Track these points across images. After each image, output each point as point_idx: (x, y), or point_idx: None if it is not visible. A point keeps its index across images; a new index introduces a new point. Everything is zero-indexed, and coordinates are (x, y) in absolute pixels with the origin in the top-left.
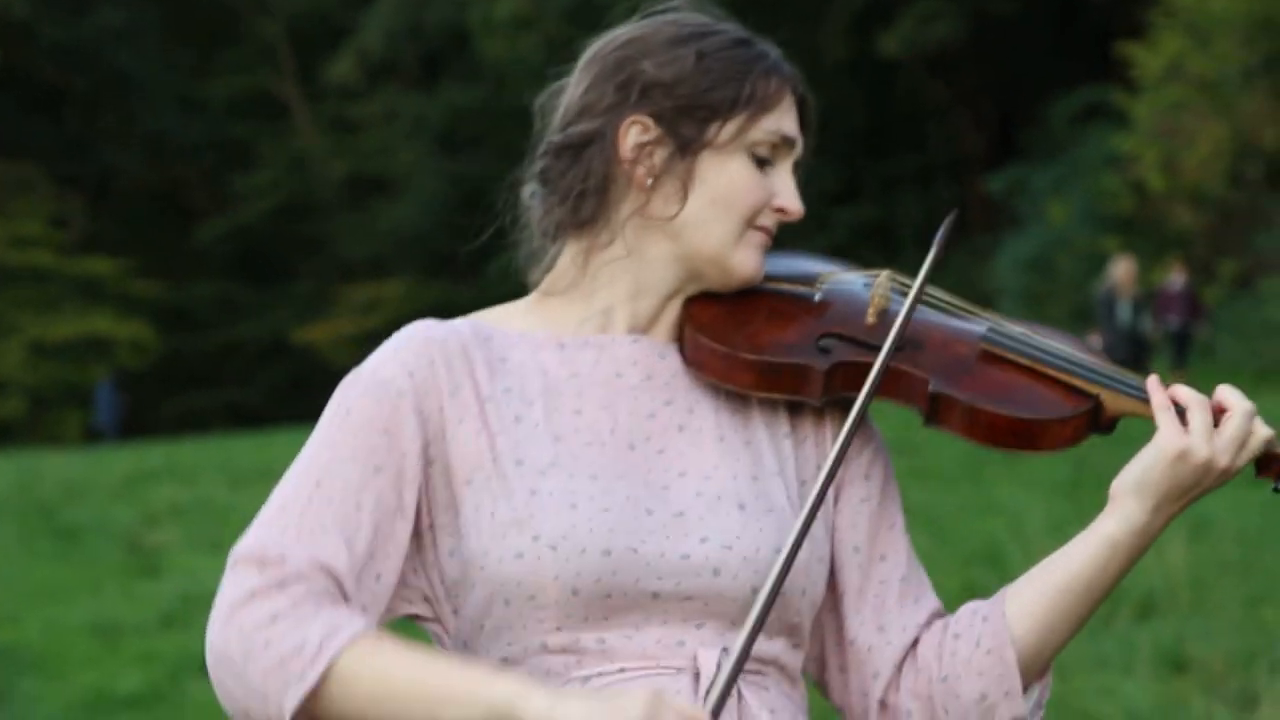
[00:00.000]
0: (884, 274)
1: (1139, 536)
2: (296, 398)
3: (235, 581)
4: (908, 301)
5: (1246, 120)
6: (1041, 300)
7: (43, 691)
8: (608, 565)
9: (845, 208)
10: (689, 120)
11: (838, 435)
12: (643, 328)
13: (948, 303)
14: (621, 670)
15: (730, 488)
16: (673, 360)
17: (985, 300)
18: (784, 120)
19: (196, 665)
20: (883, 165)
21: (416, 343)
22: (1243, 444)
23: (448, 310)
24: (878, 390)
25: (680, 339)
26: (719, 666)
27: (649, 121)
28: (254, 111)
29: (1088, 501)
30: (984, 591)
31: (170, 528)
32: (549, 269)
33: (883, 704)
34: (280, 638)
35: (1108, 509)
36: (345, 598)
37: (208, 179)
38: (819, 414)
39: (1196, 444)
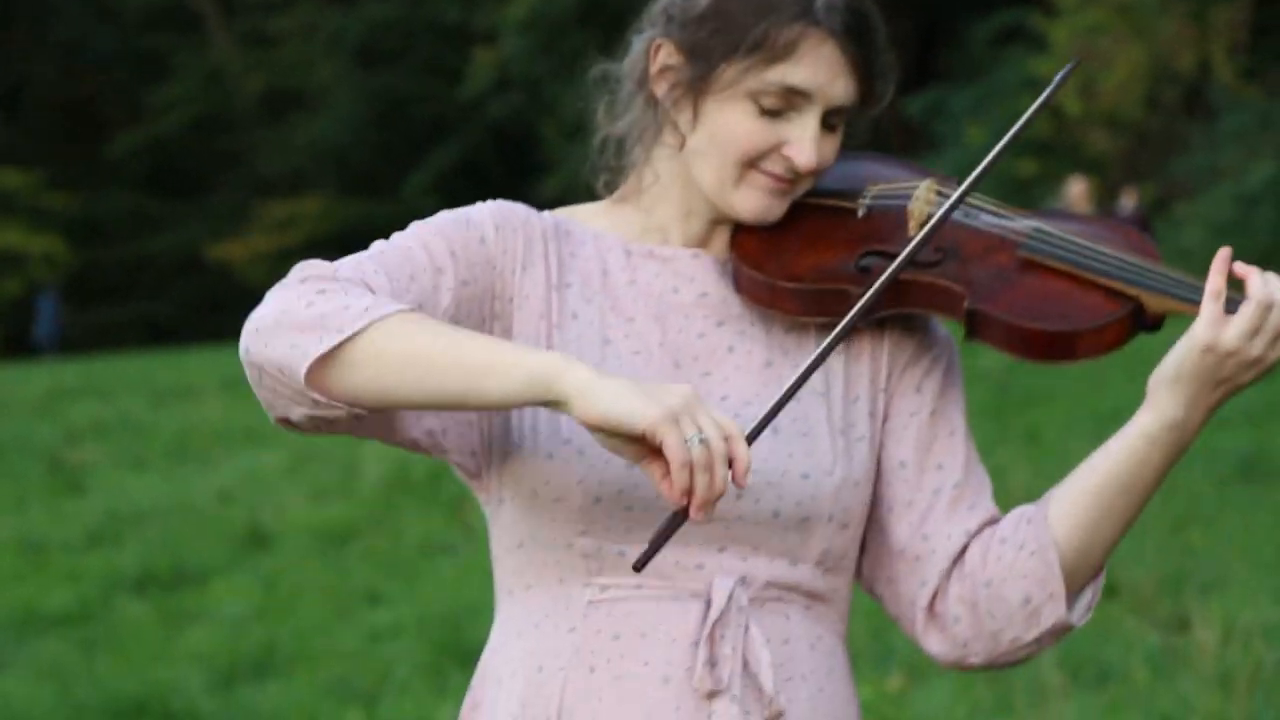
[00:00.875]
0: (926, 182)
1: (1175, 430)
2: (211, 314)
3: (283, 280)
4: (937, 214)
5: (1164, 44)
6: None
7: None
8: (630, 477)
9: None
10: (699, 58)
11: (893, 348)
12: (699, 244)
13: (993, 206)
14: (639, 586)
15: (792, 411)
16: (728, 282)
17: None
18: (795, 71)
19: (126, 583)
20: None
21: (506, 210)
22: (1275, 337)
23: (366, 229)
24: (913, 300)
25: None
26: (732, 591)
27: (671, 45)
28: (169, 23)
29: (1013, 423)
30: None
31: (92, 446)
32: (621, 175)
33: (930, 610)
34: (325, 300)
35: (1145, 403)
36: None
37: (122, 91)
38: (876, 327)
39: (1228, 338)
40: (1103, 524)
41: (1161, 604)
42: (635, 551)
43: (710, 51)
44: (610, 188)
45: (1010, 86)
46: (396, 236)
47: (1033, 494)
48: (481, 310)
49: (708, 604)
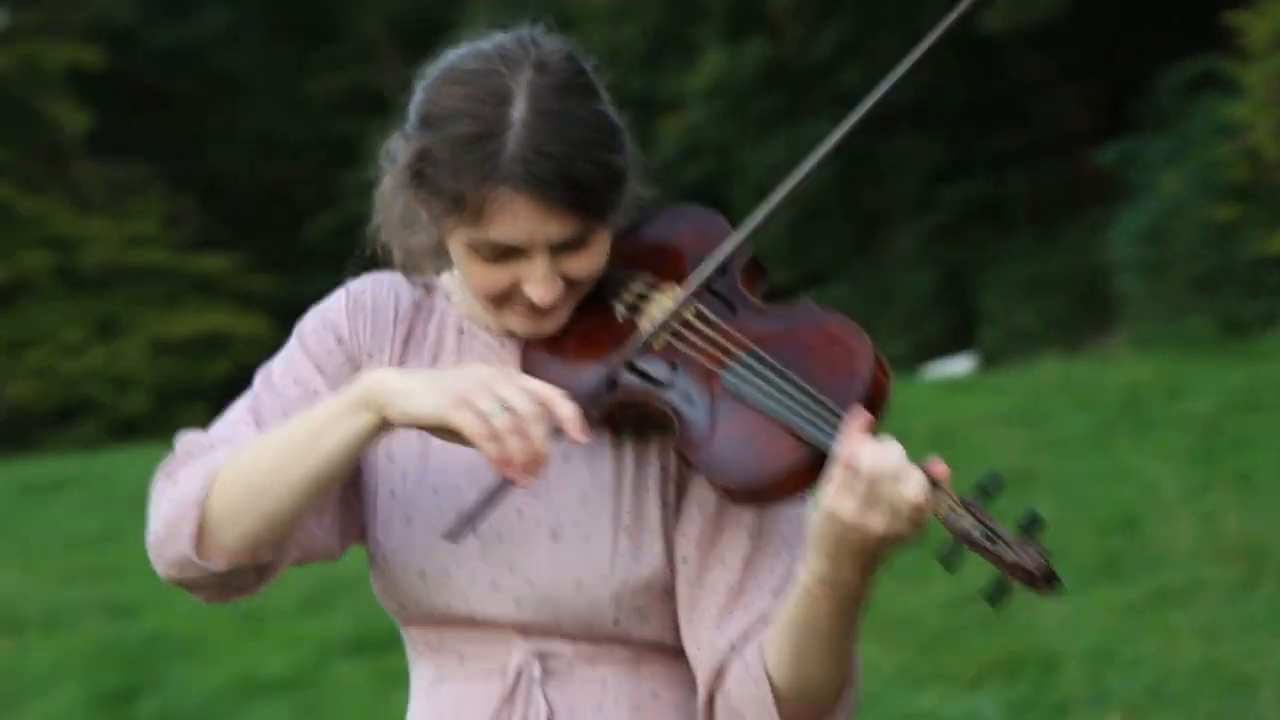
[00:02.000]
0: (670, 285)
1: (830, 584)
2: None
3: (160, 469)
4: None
5: None
6: (1159, 271)
7: (192, 676)
8: (423, 588)
9: (952, 185)
10: (424, 204)
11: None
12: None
13: (753, 301)
14: (462, 662)
15: (551, 513)
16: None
17: (1103, 273)
18: (497, 229)
19: (341, 647)
20: (989, 142)
21: (363, 298)
22: (893, 510)
23: None
24: (640, 414)
25: None
26: (520, 671)
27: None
28: (358, 107)
29: (1223, 467)
30: (1124, 560)
31: None
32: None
33: (707, 714)
34: (175, 489)
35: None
36: None
37: (315, 174)
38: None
39: (846, 508)
40: (802, 661)
41: None
42: (453, 636)
43: (428, 202)
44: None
45: (1203, 134)
46: (275, 365)
47: (1248, 538)
48: None
49: (516, 675)
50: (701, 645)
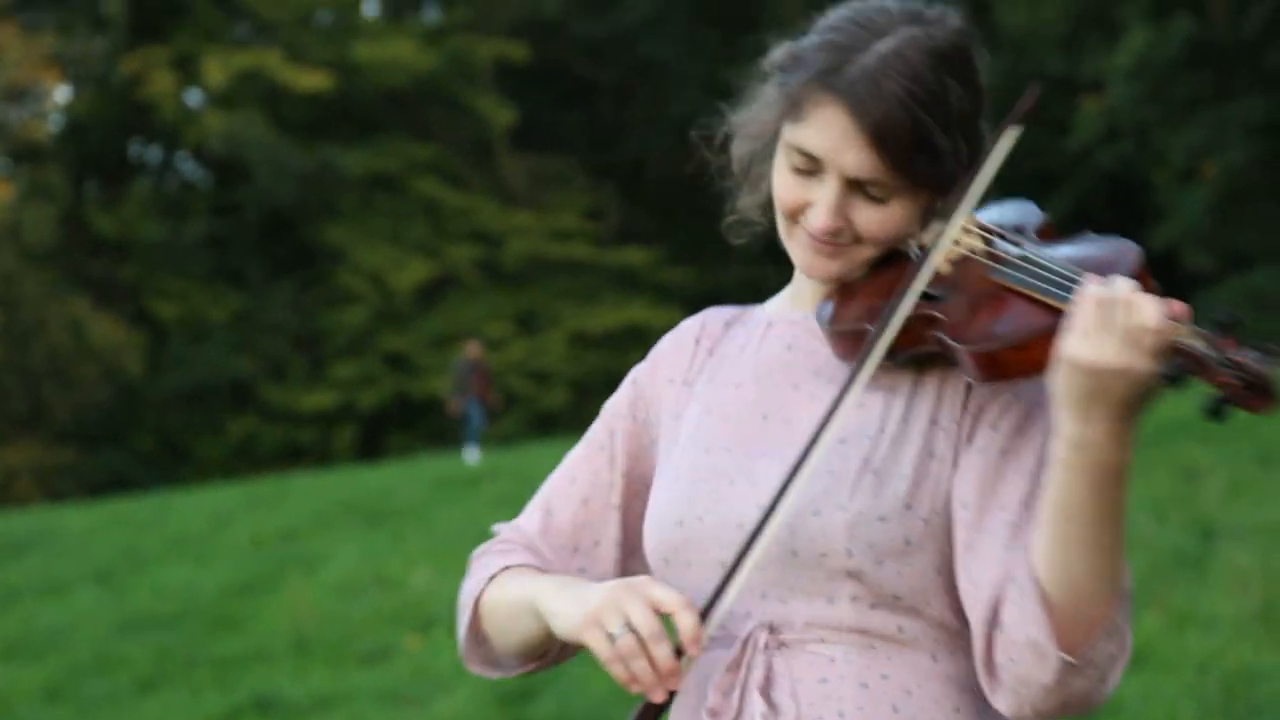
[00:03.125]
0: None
1: (1083, 449)
2: None
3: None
4: (933, 251)
5: None
6: None
7: (589, 673)
8: (680, 535)
9: None
10: (775, 103)
11: (965, 386)
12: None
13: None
14: (713, 637)
15: (829, 453)
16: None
17: None
18: (807, 135)
19: None
20: None
21: (667, 337)
22: (1127, 338)
23: None
24: (909, 341)
25: None
26: (749, 636)
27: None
28: None
29: None
30: None
31: None
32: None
33: (986, 663)
34: (465, 586)
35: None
36: (535, 551)
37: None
38: (947, 364)
39: (1081, 349)
40: (1069, 553)
41: None
42: (697, 591)
43: (773, 103)
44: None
45: None
46: (579, 447)
47: None
48: (642, 440)
49: (743, 645)
50: (979, 584)
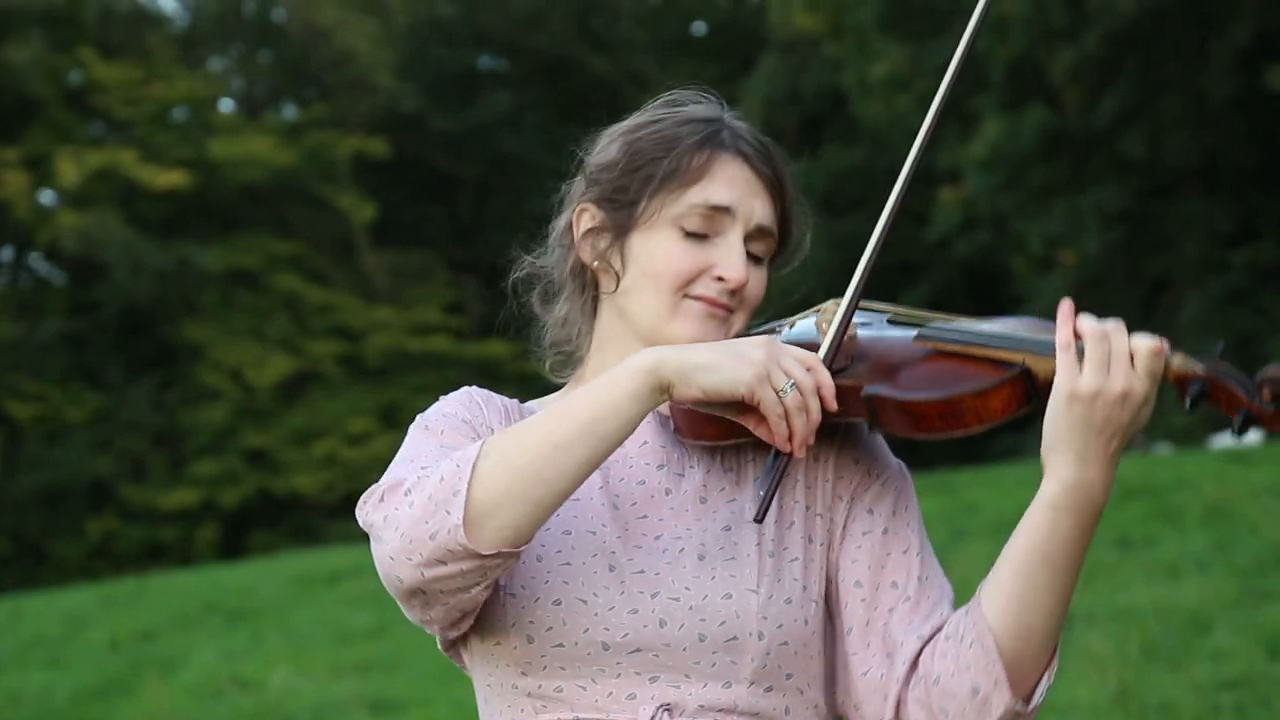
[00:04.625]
0: (829, 302)
1: (1076, 492)
2: None
3: (365, 519)
4: (840, 309)
5: None
6: None
7: None
8: (558, 614)
9: (1242, 250)
10: (618, 204)
11: (833, 474)
12: None
13: (897, 313)
14: (574, 712)
15: (695, 541)
16: (670, 428)
17: None
18: (712, 190)
19: None
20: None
21: (468, 394)
22: (1127, 360)
23: None
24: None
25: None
26: (653, 717)
27: (592, 207)
28: None
29: None
30: None
31: None
32: (577, 361)
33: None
34: (420, 491)
35: (1045, 474)
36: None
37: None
38: (812, 459)
39: (1085, 380)
40: (1032, 601)
41: None
42: (570, 687)
43: (629, 190)
44: (558, 370)
45: None
46: (415, 440)
47: None
48: None
49: None
50: (891, 654)
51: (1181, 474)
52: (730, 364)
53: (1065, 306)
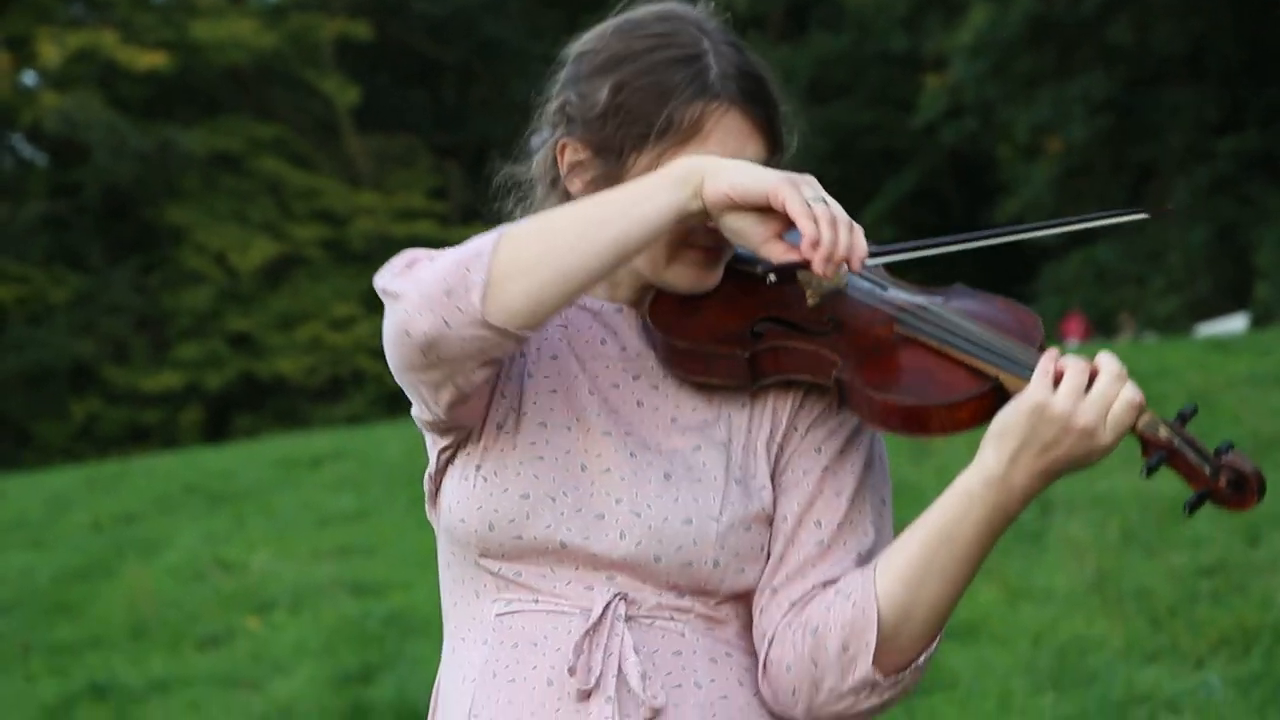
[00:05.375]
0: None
1: (995, 488)
2: None
3: (391, 272)
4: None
5: None
6: None
7: (429, 654)
8: (522, 508)
9: (1228, 138)
10: (609, 152)
11: (797, 408)
12: (628, 301)
13: (902, 283)
14: (536, 602)
15: (664, 459)
16: (655, 343)
17: None
18: (708, 148)
19: None
20: (1266, 94)
21: None
22: (1106, 406)
23: None
24: (794, 366)
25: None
26: (608, 606)
27: (579, 144)
28: None
29: None
30: None
31: None
32: None
33: (766, 658)
34: (446, 256)
35: (973, 461)
36: None
37: None
38: (783, 387)
39: (1057, 399)
40: (925, 580)
41: None
42: (530, 573)
43: (619, 144)
44: None
45: None
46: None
47: None
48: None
49: (587, 616)
50: (779, 589)
51: (1165, 362)
52: (761, 171)
53: (1053, 351)
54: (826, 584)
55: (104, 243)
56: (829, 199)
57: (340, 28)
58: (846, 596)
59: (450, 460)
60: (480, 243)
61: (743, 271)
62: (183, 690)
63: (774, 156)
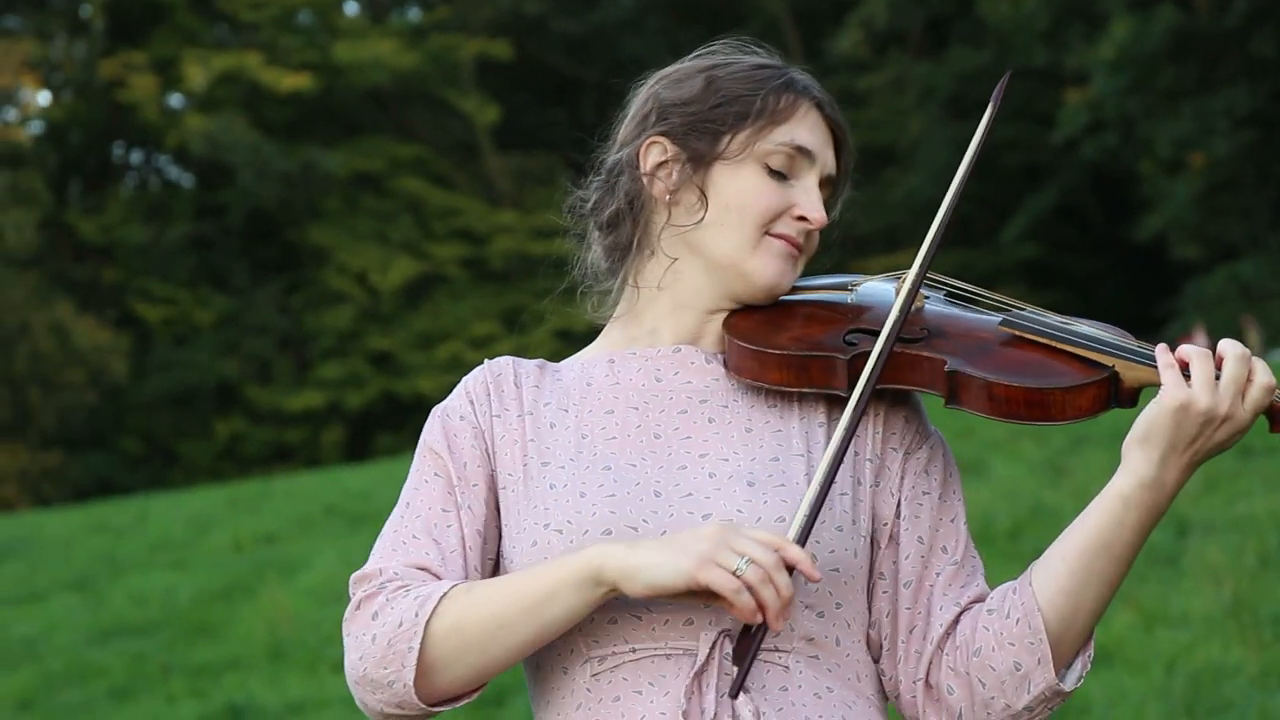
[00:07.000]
0: (910, 271)
1: (1149, 490)
2: None
3: (349, 603)
4: (909, 279)
5: None
6: None
7: None
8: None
9: None
10: (700, 135)
11: (883, 426)
12: (689, 339)
13: (974, 294)
14: (633, 650)
15: (744, 468)
16: (715, 368)
17: None
18: (798, 132)
19: None
20: None
21: (479, 375)
22: (1241, 389)
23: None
24: (896, 377)
25: (723, 349)
26: (716, 641)
27: (665, 140)
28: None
29: None
30: None
31: None
32: (614, 303)
33: (927, 683)
34: (381, 626)
35: (1120, 466)
36: (439, 579)
37: None
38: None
39: (1196, 394)
40: (1086, 587)
41: None
42: (625, 618)
43: (715, 123)
44: (598, 307)
45: None
46: (408, 481)
47: None
48: (489, 467)
49: (694, 657)
50: (930, 611)
51: None
52: (671, 557)
53: (1163, 345)
54: (971, 604)
55: (248, 263)
56: (755, 538)
57: (480, 47)
58: (1005, 615)
59: (498, 539)
60: (410, 627)
61: (818, 293)
62: (318, 713)
63: (835, 192)
